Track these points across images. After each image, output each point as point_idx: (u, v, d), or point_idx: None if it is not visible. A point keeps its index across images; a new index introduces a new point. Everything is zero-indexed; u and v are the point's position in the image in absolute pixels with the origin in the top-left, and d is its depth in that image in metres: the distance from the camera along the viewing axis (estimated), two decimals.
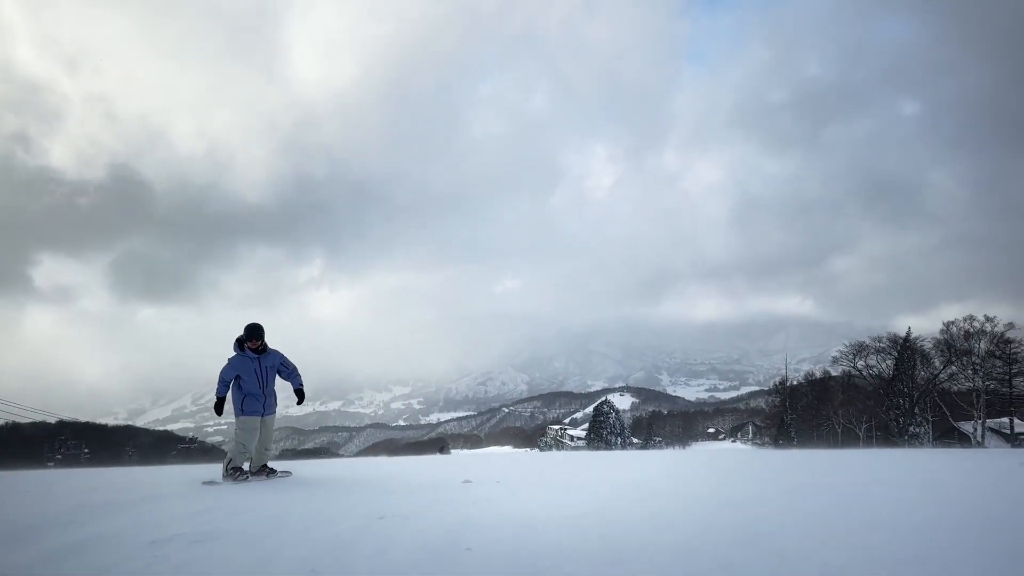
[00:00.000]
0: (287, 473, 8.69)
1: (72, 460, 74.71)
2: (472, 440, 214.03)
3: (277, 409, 8.74)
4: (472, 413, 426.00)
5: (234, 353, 8.29)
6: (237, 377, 8.17)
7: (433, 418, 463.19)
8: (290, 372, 8.61)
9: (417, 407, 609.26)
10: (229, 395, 8.26)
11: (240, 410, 8.20)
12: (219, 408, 8.35)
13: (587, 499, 5.30)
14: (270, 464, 8.66)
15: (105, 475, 10.54)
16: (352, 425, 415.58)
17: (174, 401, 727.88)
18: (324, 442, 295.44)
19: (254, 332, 8.21)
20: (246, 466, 8.33)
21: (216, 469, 9.12)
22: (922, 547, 3.55)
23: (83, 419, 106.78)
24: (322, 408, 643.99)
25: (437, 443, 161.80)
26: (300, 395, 8.74)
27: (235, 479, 7.96)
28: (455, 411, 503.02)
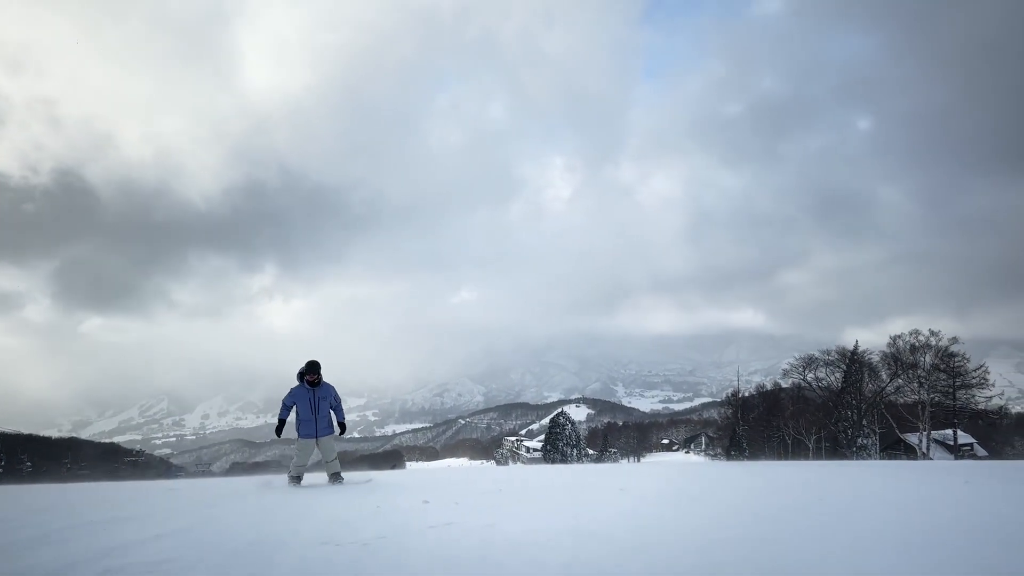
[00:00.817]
0: (368, 480, 10.65)
1: (14, 475, 72.14)
2: (428, 452, 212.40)
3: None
4: (428, 425, 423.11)
5: (296, 383, 10.05)
6: (295, 404, 9.91)
7: (388, 430, 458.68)
8: (337, 406, 10.30)
9: (372, 419, 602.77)
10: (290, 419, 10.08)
11: (297, 432, 9.90)
12: (279, 430, 10.16)
13: (547, 523, 5.22)
14: (342, 474, 10.41)
15: (56, 492, 10.03)
16: None
17: (120, 413, 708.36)
18: (276, 455, 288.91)
19: (312, 367, 9.95)
20: (304, 477, 10.37)
21: (168, 483, 9.73)
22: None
23: (25, 431, 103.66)
24: (274, 420, 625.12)
25: (392, 456, 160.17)
26: (342, 427, 10.65)
27: (293, 486, 9.66)
28: (411, 423, 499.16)
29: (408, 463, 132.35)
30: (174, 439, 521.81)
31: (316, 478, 11.26)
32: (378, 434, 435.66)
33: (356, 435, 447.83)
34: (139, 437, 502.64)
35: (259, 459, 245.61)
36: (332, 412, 10.23)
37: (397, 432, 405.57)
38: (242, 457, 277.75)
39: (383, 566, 3.82)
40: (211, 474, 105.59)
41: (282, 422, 10.12)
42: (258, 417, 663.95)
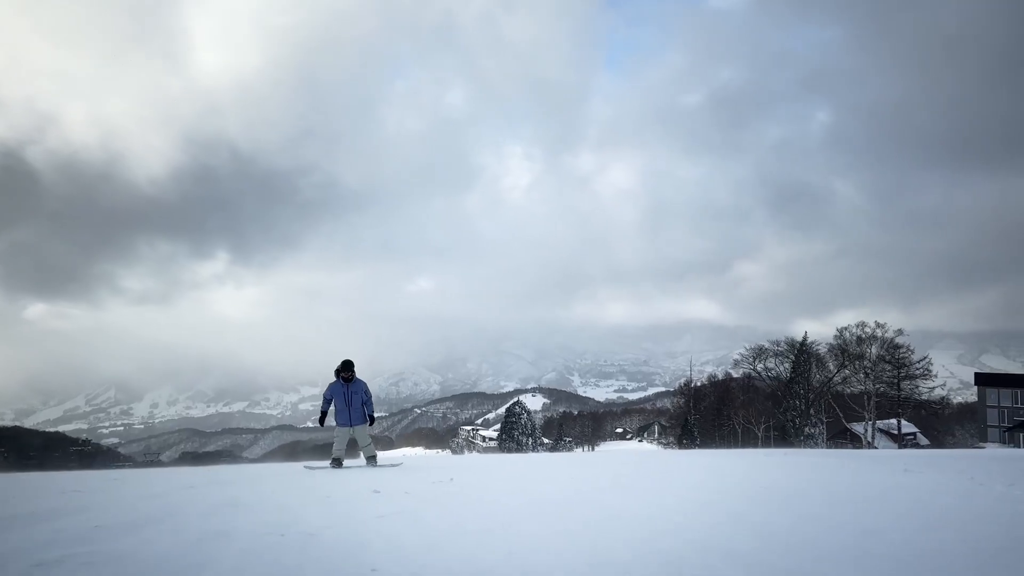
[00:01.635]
0: (399, 463, 12.53)
1: None
2: (383, 442, 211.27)
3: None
4: (384, 414, 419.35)
5: (334, 379, 11.75)
6: (332, 397, 11.66)
7: None
8: (367, 400, 12.00)
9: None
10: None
11: (335, 421, 11.74)
12: (321, 420, 12.29)
13: (495, 511, 5.27)
14: (377, 458, 12.08)
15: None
16: (257, 427, 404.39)
17: (66, 401, 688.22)
18: (227, 444, 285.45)
19: (347, 366, 11.64)
20: (345, 461, 11.88)
21: (113, 473, 9.65)
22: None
23: None
24: (225, 409, 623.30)
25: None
26: (371, 419, 12.18)
27: (334, 468, 11.27)
28: None
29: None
30: (122, 428, 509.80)
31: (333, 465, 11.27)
32: (332, 423, 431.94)
33: (310, 424, 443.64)
34: (86, 426, 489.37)
35: (209, 449, 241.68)
36: (368, 399, 11.99)
37: None
38: (192, 447, 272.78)
39: (327, 556, 3.78)
40: (160, 464, 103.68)
41: (324, 413, 11.99)
42: (208, 406, 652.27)
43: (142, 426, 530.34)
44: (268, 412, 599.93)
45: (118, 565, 3.66)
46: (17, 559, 3.79)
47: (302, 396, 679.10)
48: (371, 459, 11.96)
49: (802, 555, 3.60)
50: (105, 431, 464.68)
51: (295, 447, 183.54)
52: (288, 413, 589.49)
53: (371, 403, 12.15)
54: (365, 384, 11.94)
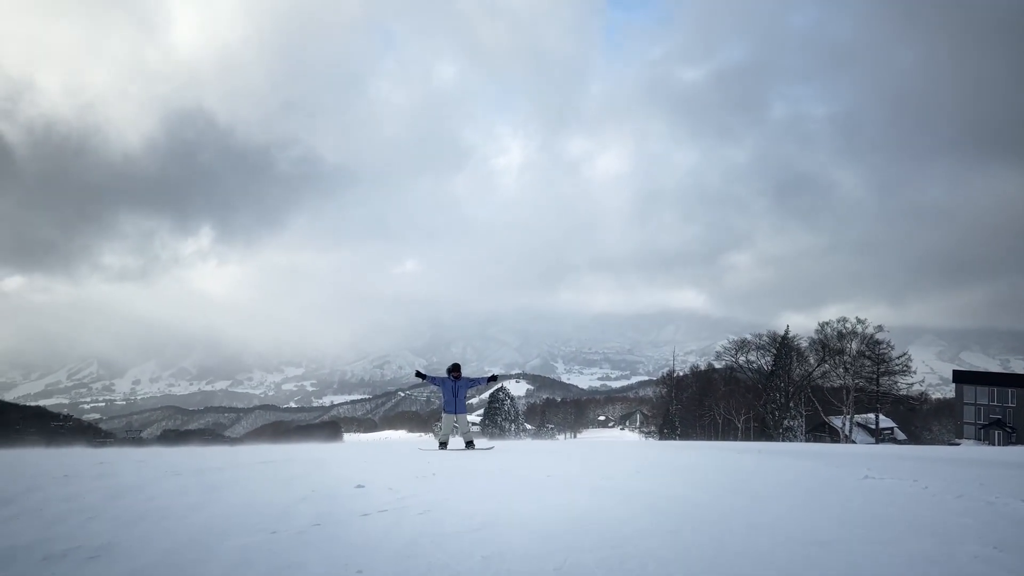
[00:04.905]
0: (491, 447, 14.51)
1: None
2: (366, 424, 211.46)
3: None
4: (367, 396, 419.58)
5: (445, 375, 14.35)
6: (440, 386, 14.35)
7: (326, 400, 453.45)
8: (477, 381, 14.91)
9: (310, 389, 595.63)
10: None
11: (443, 410, 14.24)
12: (418, 375, 15.07)
13: (477, 510, 5.28)
14: (475, 443, 14.34)
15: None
16: (240, 406, 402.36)
17: (47, 376, 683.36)
18: (209, 423, 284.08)
19: (456, 368, 14.40)
20: (450, 443, 14.28)
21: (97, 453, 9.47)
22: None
23: None
24: (208, 388, 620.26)
25: (329, 427, 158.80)
26: (493, 379, 15.86)
27: (441, 450, 13.18)
28: (349, 394, 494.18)
29: (346, 435, 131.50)
30: (103, 404, 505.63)
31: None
32: (315, 404, 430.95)
33: (293, 405, 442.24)
34: (67, 401, 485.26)
35: (191, 427, 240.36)
36: (472, 388, 14.63)
37: (335, 403, 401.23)
38: (174, 424, 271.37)
39: (320, 556, 3.83)
40: (141, 441, 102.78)
41: (423, 376, 14.87)
42: (191, 384, 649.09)
43: (124, 402, 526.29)
44: (251, 391, 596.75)
45: (124, 560, 3.68)
46: (25, 552, 3.82)
47: (286, 376, 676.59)
48: (469, 444, 13.98)
49: (742, 567, 3.72)
50: (86, 406, 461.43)
51: (278, 427, 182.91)
52: (271, 393, 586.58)
53: (481, 379, 15.03)
54: (470, 380, 14.62)
